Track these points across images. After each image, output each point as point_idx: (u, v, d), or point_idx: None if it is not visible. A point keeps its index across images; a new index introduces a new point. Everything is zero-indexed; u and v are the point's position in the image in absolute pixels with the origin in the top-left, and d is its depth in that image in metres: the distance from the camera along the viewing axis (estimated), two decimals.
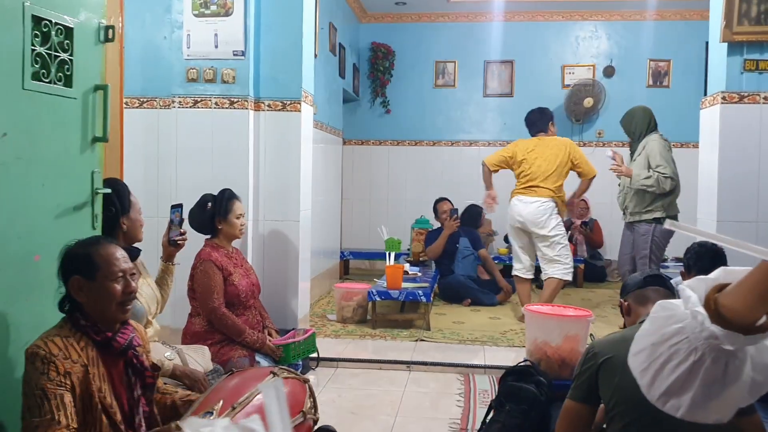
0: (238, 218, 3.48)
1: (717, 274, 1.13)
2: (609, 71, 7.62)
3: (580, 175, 5.24)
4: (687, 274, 3.07)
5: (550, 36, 7.71)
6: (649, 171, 4.70)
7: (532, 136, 5.38)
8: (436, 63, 7.85)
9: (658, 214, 4.68)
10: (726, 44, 4.02)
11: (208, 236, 3.50)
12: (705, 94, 4.41)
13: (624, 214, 4.97)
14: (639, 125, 4.87)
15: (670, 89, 7.53)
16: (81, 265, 1.85)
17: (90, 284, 1.84)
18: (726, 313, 1.05)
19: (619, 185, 5.07)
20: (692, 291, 1.12)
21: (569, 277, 5.18)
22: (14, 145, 1.96)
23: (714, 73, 4.25)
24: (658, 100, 7.49)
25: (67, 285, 1.85)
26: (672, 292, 2.25)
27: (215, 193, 3.53)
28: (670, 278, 2.43)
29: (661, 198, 4.71)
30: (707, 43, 4.37)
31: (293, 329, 3.83)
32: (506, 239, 6.69)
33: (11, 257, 1.97)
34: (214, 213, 3.44)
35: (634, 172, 4.72)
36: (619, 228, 7.43)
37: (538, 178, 5.12)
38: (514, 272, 5.45)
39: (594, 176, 5.20)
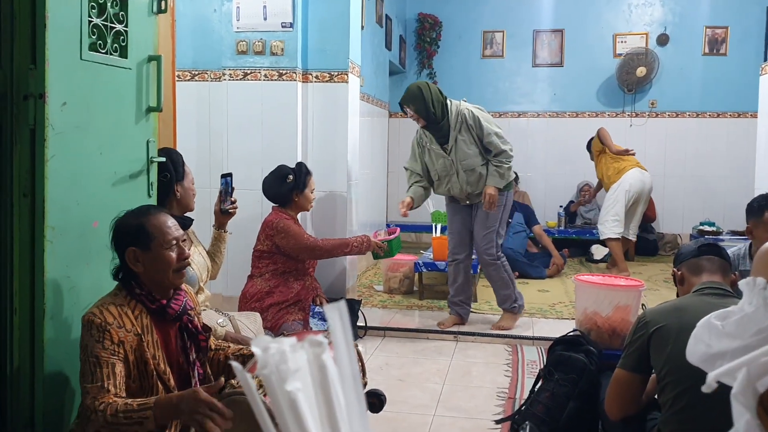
0: (312, 192, 3.66)
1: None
2: (663, 39, 7.37)
3: None
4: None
5: (601, 4, 7.48)
6: (489, 154, 4.03)
7: None
8: (484, 33, 7.71)
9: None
10: None
11: (276, 205, 3.63)
12: (765, 60, 4.24)
13: (465, 200, 4.11)
14: (437, 101, 3.91)
15: (727, 57, 7.22)
16: (135, 236, 1.87)
17: (145, 254, 1.87)
18: None
19: (437, 176, 4.13)
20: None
21: None
22: (73, 114, 2.02)
23: None
24: (715, 69, 7.25)
25: (123, 256, 1.88)
26: (728, 261, 2.19)
27: (268, 166, 3.65)
28: (726, 249, 2.36)
29: None
30: None
31: (389, 226, 3.94)
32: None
33: (71, 223, 2.04)
34: (294, 186, 3.58)
35: (491, 185, 3.93)
36: (672, 202, 7.37)
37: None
38: (618, 234, 5.91)
39: None
